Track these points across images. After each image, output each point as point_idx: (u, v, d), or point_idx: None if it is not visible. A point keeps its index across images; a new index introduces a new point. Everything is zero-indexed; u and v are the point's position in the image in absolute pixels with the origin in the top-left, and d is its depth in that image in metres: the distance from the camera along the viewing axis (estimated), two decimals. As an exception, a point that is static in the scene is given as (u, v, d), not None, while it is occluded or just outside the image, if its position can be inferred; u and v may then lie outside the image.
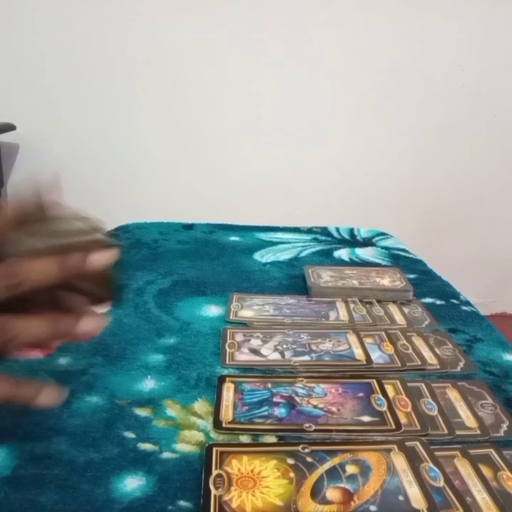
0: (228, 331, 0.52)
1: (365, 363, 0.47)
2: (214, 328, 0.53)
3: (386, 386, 0.43)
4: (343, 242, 0.81)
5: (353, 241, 0.82)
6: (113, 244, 0.35)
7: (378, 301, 0.59)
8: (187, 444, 0.37)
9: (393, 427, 0.38)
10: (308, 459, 0.35)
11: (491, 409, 0.41)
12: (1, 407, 0.39)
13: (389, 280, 0.63)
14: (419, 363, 0.47)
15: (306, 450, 0.35)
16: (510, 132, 1.77)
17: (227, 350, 0.49)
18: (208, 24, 1.59)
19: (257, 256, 0.74)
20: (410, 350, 0.49)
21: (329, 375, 0.45)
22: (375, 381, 0.44)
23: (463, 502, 0.32)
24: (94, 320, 0.34)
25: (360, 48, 1.65)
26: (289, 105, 1.69)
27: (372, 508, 0.31)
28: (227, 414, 0.39)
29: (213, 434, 0.38)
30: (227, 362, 0.47)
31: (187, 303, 0.58)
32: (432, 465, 0.34)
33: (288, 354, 0.48)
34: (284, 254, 0.75)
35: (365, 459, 0.35)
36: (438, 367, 0.47)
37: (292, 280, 0.66)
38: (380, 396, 0.42)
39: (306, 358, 0.48)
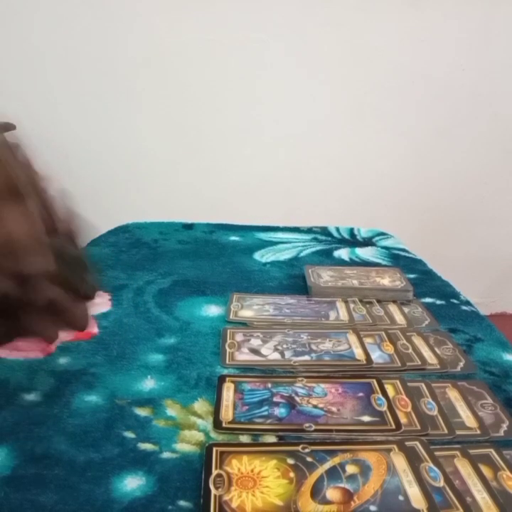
0: (228, 331, 0.52)
1: (365, 362, 0.47)
2: (214, 328, 0.53)
3: (386, 386, 0.43)
4: (343, 242, 0.81)
5: (353, 241, 0.82)
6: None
7: (378, 301, 0.59)
8: (187, 443, 0.37)
9: (393, 426, 0.38)
10: (308, 459, 0.35)
11: (491, 409, 0.41)
12: (1, 407, 0.39)
13: (389, 280, 0.63)
14: (419, 362, 0.47)
15: (306, 450, 0.35)
16: (510, 132, 1.77)
17: (227, 350, 0.49)
18: (208, 24, 1.59)
19: (257, 256, 0.74)
20: (410, 350, 0.49)
21: (329, 375, 0.45)
22: (375, 381, 0.44)
23: (463, 502, 0.32)
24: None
25: (360, 48, 1.65)
26: (288, 105, 1.69)
27: (372, 508, 0.31)
28: (227, 414, 0.39)
29: (213, 434, 0.38)
30: (227, 362, 0.47)
31: (187, 303, 0.58)
32: (432, 465, 0.34)
33: (288, 354, 0.48)
34: (284, 254, 0.75)
35: (365, 459, 0.35)
36: (438, 367, 0.47)
37: (292, 280, 0.66)
38: (380, 396, 0.42)
39: (306, 357, 0.48)
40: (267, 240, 0.81)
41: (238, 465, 0.34)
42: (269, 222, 0.87)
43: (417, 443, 0.36)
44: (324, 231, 0.86)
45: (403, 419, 0.39)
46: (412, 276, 0.67)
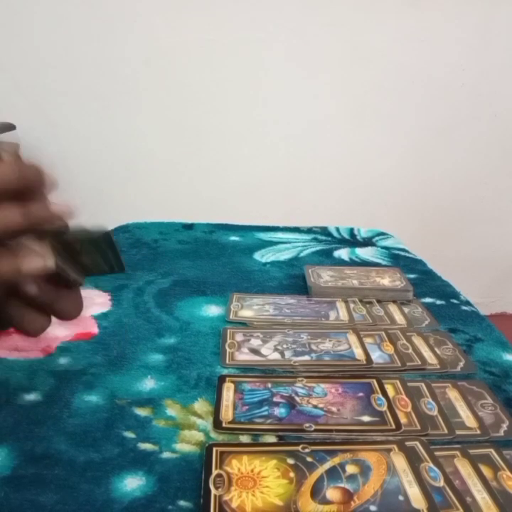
0: (228, 331, 0.52)
1: (365, 362, 0.47)
2: (214, 328, 0.53)
3: (386, 386, 0.43)
4: (343, 242, 0.81)
5: (353, 241, 0.82)
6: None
7: (378, 301, 0.59)
8: (187, 443, 0.37)
9: (393, 426, 0.38)
10: (308, 459, 0.35)
11: (491, 409, 0.41)
12: (1, 407, 0.39)
13: (389, 280, 0.63)
14: (419, 362, 0.47)
15: (306, 450, 0.35)
16: (510, 132, 1.77)
17: (227, 350, 0.49)
18: (208, 24, 1.59)
19: (257, 256, 0.74)
20: (410, 350, 0.49)
21: (329, 375, 0.45)
22: (375, 381, 0.44)
23: (463, 502, 0.32)
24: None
25: (360, 48, 1.65)
26: (288, 105, 1.69)
27: (372, 507, 0.31)
28: (227, 414, 0.39)
29: (213, 434, 0.38)
30: (227, 362, 0.47)
31: (187, 303, 0.58)
32: (432, 465, 0.34)
33: (288, 354, 0.48)
34: (284, 254, 0.75)
35: (365, 459, 0.35)
36: (438, 367, 0.47)
37: (292, 280, 0.66)
38: (380, 396, 0.42)
39: (306, 357, 0.48)
40: (267, 240, 0.81)
41: (238, 465, 0.34)
42: (269, 222, 0.87)
43: (417, 443, 0.36)
44: (324, 231, 0.86)
45: (403, 419, 0.39)
46: (412, 276, 0.67)
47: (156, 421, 0.39)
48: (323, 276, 0.64)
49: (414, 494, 0.32)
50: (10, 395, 0.41)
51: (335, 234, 0.85)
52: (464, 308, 0.60)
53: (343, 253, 0.76)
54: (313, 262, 0.72)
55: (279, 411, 0.40)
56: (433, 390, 0.43)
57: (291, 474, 0.33)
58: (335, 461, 0.34)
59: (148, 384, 0.43)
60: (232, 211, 1.34)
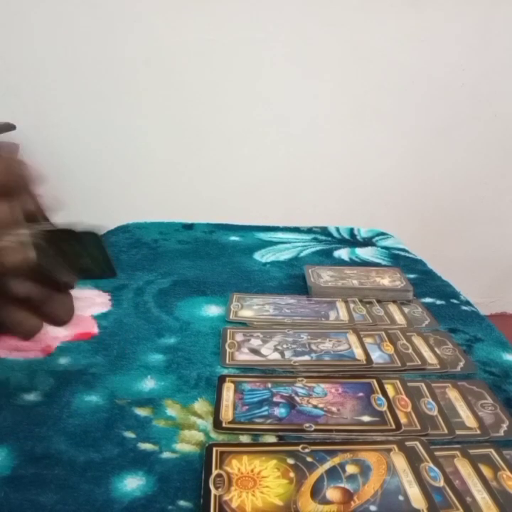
0: (228, 331, 0.52)
1: (365, 362, 0.47)
2: (214, 328, 0.53)
3: (386, 386, 0.43)
4: (343, 242, 0.81)
5: (353, 241, 0.82)
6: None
7: (378, 301, 0.59)
8: (187, 443, 0.37)
9: (393, 426, 0.38)
10: (308, 459, 0.35)
11: (491, 409, 0.41)
12: (1, 407, 0.39)
13: (389, 280, 0.63)
14: (419, 362, 0.47)
15: (306, 450, 0.35)
16: (510, 132, 1.77)
17: (227, 350, 0.49)
18: (208, 24, 1.59)
19: (257, 256, 0.74)
20: (410, 350, 0.49)
21: (329, 375, 0.45)
22: (375, 381, 0.44)
23: (463, 502, 0.32)
24: None
25: (360, 48, 1.65)
26: (288, 105, 1.69)
27: (372, 507, 0.31)
28: (227, 414, 0.39)
29: (213, 434, 0.38)
30: (227, 362, 0.47)
31: (187, 303, 0.58)
32: (432, 465, 0.34)
33: (288, 354, 0.48)
34: (284, 254, 0.75)
35: (365, 459, 0.35)
36: (438, 367, 0.47)
37: (292, 280, 0.66)
38: (380, 396, 0.42)
39: (306, 357, 0.48)
40: (267, 240, 0.81)
41: (238, 465, 0.34)
42: (269, 222, 0.87)
43: (417, 443, 0.36)
44: (324, 231, 0.86)
45: (403, 419, 0.39)
46: (412, 276, 0.67)
47: (156, 421, 0.39)
48: (323, 276, 0.64)
49: (414, 494, 0.32)
50: (10, 395, 0.41)
51: (335, 234, 0.85)
52: (464, 308, 0.60)
53: (343, 253, 0.76)
54: (313, 262, 0.72)
55: (279, 411, 0.40)
56: (433, 390, 0.43)
57: (291, 474, 0.33)
58: (335, 461, 0.34)
59: (148, 384, 0.43)
60: (232, 211, 1.34)
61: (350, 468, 0.34)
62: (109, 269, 0.38)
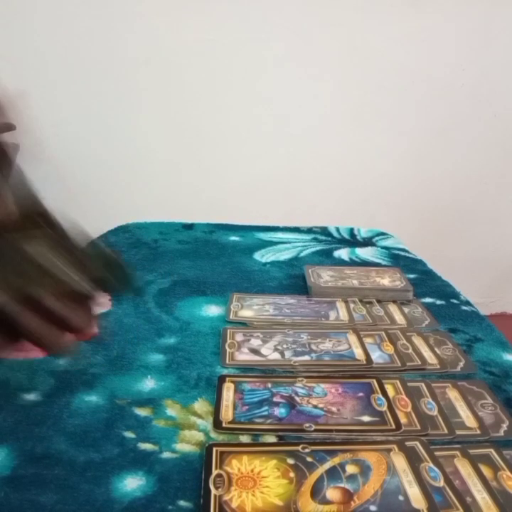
0: (228, 331, 0.52)
1: (365, 362, 0.47)
2: (214, 328, 0.53)
3: (386, 386, 0.43)
4: (343, 242, 0.81)
5: (353, 241, 0.82)
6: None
7: (378, 301, 0.59)
8: (187, 443, 0.37)
9: (393, 426, 0.38)
10: (308, 459, 0.35)
11: (491, 409, 0.41)
12: (1, 407, 0.39)
13: (389, 280, 0.63)
14: (419, 362, 0.47)
15: (306, 450, 0.35)
16: (510, 132, 1.77)
17: (227, 350, 0.49)
18: (208, 24, 1.59)
19: (257, 256, 0.74)
20: (410, 350, 0.49)
21: (329, 375, 0.45)
22: (375, 381, 0.44)
23: (463, 502, 0.32)
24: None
25: (360, 48, 1.65)
26: (288, 105, 1.69)
27: (372, 507, 0.31)
28: (227, 414, 0.39)
29: (213, 434, 0.38)
30: (227, 362, 0.47)
31: (187, 303, 0.58)
32: (431, 465, 0.34)
33: (288, 354, 0.48)
34: (284, 254, 0.75)
35: (365, 459, 0.35)
36: (438, 367, 0.47)
37: (292, 280, 0.66)
38: (380, 396, 0.42)
39: (306, 357, 0.48)
40: (267, 239, 0.81)
41: (238, 465, 0.34)
42: (269, 222, 0.87)
43: (417, 443, 0.36)
44: (324, 231, 0.86)
45: (403, 419, 0.39)
46: (412, 276, 0.67)
47: (156, 421, 0.39)
48: (323, 276, 0.64)
49: (414, 494, 0.32)
50: (10, 395, 0.41)
51: (335, 234, 0.85)
52: (464, 308, 0.60)
53: (343, 253, 0.76)
54: (313, 262, 0.72)
55: (279, 411, 0.40)
56: (433, 390, 0.43)
57: (291, 474, 0.33)
58: (335, 461, 0.34)
59: (148, 384, 0.43)
60: (232, 211, 1.34)
61: (350, 468, 0.34)
62: (129, 284, 0.39)
